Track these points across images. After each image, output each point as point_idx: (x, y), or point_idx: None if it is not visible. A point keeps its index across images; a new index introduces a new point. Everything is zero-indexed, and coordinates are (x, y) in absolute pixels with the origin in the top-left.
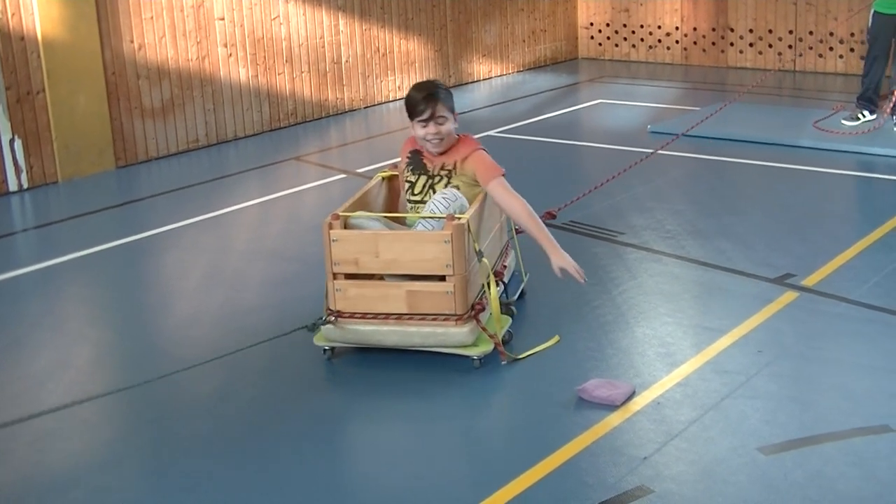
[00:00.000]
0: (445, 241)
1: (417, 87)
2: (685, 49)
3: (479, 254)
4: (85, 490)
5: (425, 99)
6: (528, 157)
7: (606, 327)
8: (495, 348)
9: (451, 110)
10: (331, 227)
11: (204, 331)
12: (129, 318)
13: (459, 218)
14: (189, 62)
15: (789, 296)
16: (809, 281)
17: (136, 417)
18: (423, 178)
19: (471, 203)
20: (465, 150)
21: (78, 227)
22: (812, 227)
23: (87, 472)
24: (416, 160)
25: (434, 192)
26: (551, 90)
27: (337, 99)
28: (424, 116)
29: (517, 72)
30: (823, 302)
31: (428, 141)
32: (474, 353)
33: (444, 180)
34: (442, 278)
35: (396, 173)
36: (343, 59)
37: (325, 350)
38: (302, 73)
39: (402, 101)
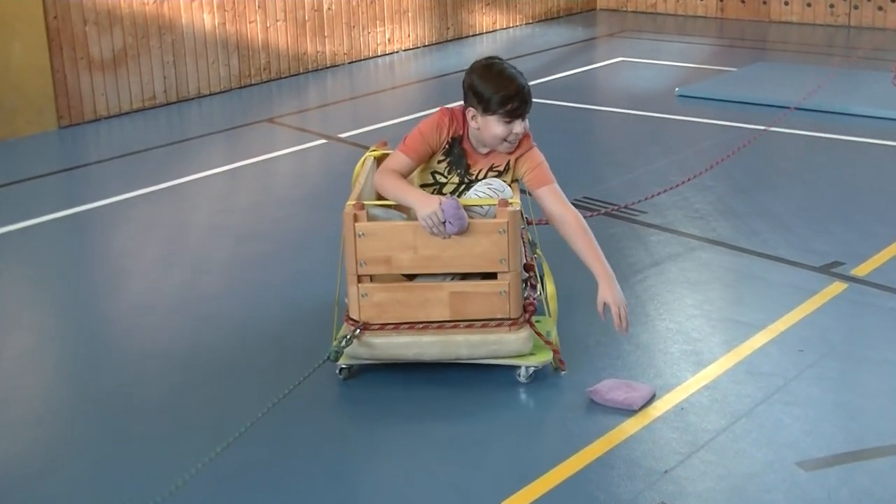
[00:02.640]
0: (501, 231)
1: (512, 73)
2: (721, 0)
3: (533, 244)
4: (18, 500)
5: (521, 94)
6: (537, 123)
7: None
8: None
9: None
10: (356, 218)
11: (159, 318)
12: (73, 302)
13: (512, 203)
14: (145, 6)
15: (836, 287)
16: (860, 270)
17: (79, 417)
18: (455, 178)
19: None
20: (521, 146)
21: (13, 197)
22: (862, 209)
23: (22, 480)
24: (458, 154)
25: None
26: (565, 46)
27: (317, 52)
28: (522, 111)
29: (526, 24)
30: (876, 295)
31: (508, 142)
32: (532, 362)
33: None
34: (492, 275)
35: (386, 151)
36: (325, 7)
37: (341, 369)
38: (277, 21)
39: (392, 58)
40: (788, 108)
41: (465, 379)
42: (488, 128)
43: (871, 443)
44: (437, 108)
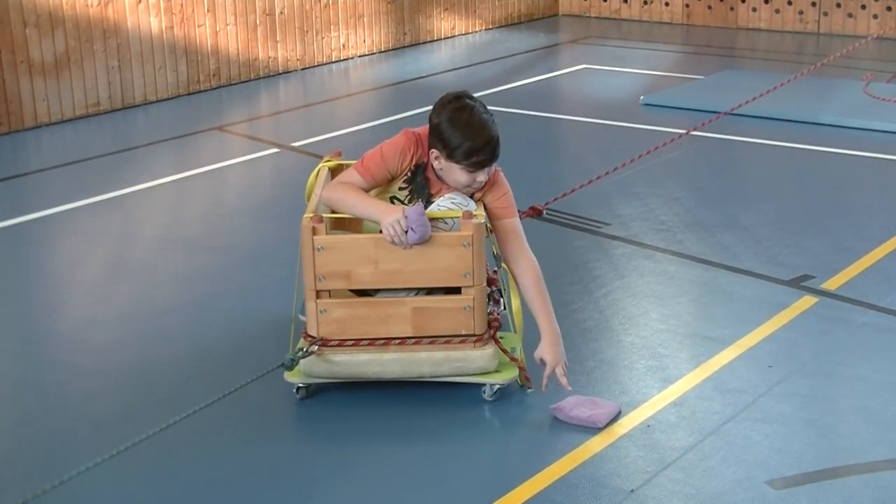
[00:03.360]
0: (465, 245)
1: (482, 122)
2: (687, 6)
3: (498, 258)
4: None
5: (489, 147)
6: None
7: (588, 335)
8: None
9: None
10: (315, 231)
11: (106, 333)
12: (13, 317)
13: (476, 215)
14: (89, 8)
15: (806, 301)
16: (830, 284)
17: (20, 439)
18: (416, 200)
19: None
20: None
21: None
22: (834, 221)
23: None
24: (420, 182)
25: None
26: (526, 52)
27: (269, 58)
28: (487, 164)
29: (486, 30)
30: (847, 309)
31: (471, 188)
32: (497, 380)
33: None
34: (456, 290)
35: (341, 161)
36: (277, 10)
37: (297, 388)
38: (227, 25)
39: (347, 64)
40: (757, 116)
41: (427, 397)
42: (451, 173)
43: (842, 461)
44: (402, 131)
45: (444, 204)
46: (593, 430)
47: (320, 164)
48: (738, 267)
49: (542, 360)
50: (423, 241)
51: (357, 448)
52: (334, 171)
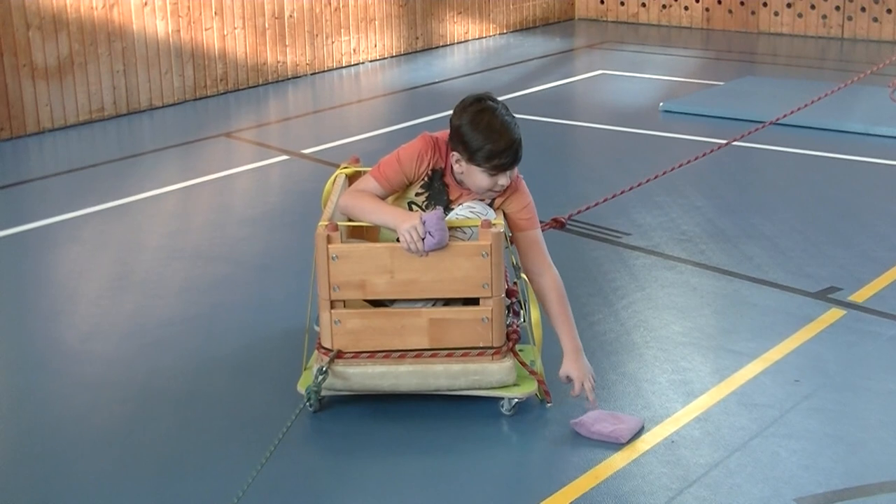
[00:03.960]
0: (483, 255)
1: (504, 124)
2: (707, 9)
3: (517, 267)
4: None
5: (510, 150)
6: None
7: (608, 348)
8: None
9: None
10: (330, 239)
11: (110, 345)
12: (16, 328)
13: (495, 224)
14: (94, 11)
15: (833, 314)
16: (858, 296)
17: (22, 451)
18: (432, 207)
19: None
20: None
21: None
22: (860, 231)
23: None
24: (438, 188)
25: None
26: (542, 57)
27: (278, 63)
28: (509, 167)
29: (500, 34)
30: (875, 322)
31: (492, 191)
32: (515, 394)
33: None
34: (474, 301)
35: (359, 168)
36: (286, 14)
37: (308, 402)
38: (235, 29)
39: (357, 69)
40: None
41: (443, 411)
42: (472, 177)
43: (872, 478)
44: (420, 135)
45: (462, 213)
46: (616, 445)
47: (337, 171)
48: (762, 278)
49: (567, 377)
50: (441, 247)
51: (371, 462)
52: (352, 178)
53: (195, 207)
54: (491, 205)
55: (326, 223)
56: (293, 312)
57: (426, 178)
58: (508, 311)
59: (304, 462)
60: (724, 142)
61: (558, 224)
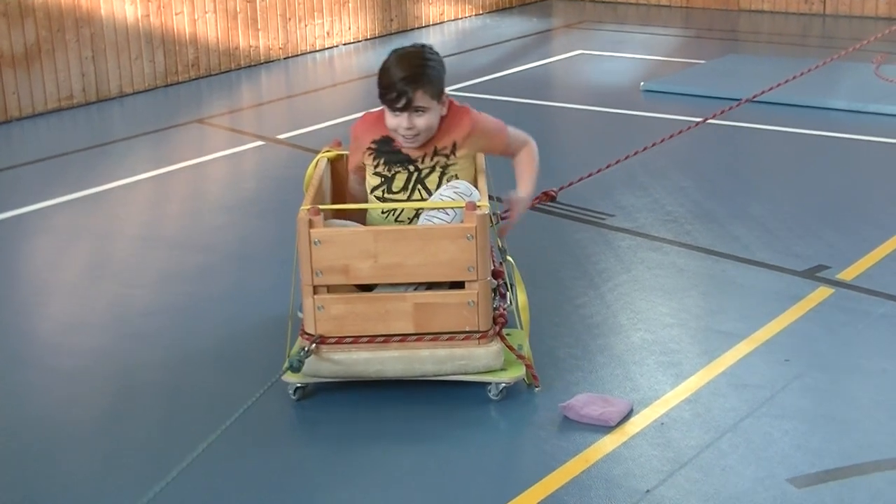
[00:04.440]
0: (468, 237)
1: (397, 60)
2: None
3: (503, 250)
4: None
5: (403, 81)
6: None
7: (595, 330)
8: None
9: (438, 95)
10: (312, 224)
11: (88, 337)
12: None
13: (480, 206)
14: None
15: (822, 292)
16: (846, 275)
17: None
18: (403, 173)
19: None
20: (462, 124)
21: None
22: (847, 209)
23: None
24: (388, 148)
25: (421, 188)
26: (519, 38)
27: (250, 47)
28: (398, 105)
29: (476, 15)
30: (864, 300)
31: (400, 135)
32: (503, 378)
33: (438, 171)
34: (460, 285)
35: (341, 151)
36: None
37: (295, 389)
38: (206, 13)
39: (331, 52)
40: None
41: (430, 397)
42: (386, 118)
43: (866, 457)
44: None
45: (446, 193)
46: (605, 428)
47: (319, 155)
48: (749, 258)
49: (507, 203)
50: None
51: (358, 451)
52: (333, 162)
53: (170, 195)
54: (454, 150)
55: (309, 207)
56: (274, 302)
57: (371, 151)
58: (495, 294)
59: (290, 452)
60: (699, 119)
61: (549, 197)
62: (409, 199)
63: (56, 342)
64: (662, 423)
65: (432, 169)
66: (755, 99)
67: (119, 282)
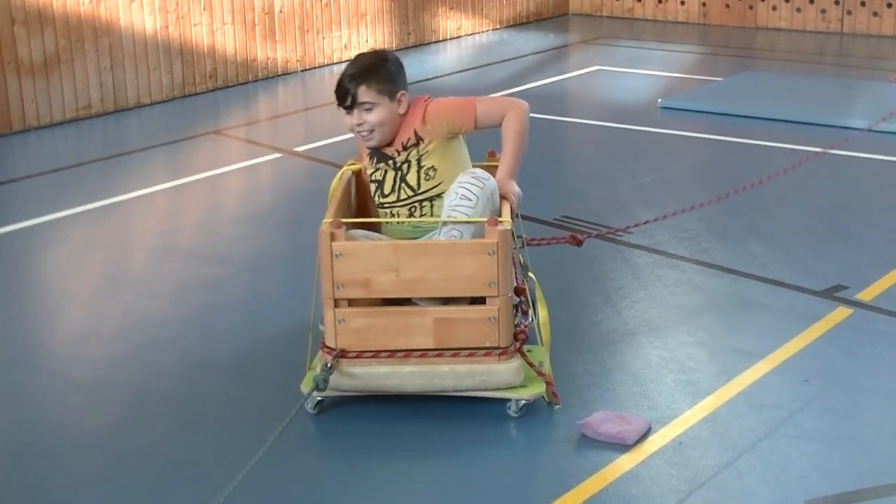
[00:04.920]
0: (490, 253)
1: (352, 61)
2: (703, 4)
3: (525, 266)
4: None
5: (348, 78)
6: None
7: (612, 347)
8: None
9: (390, 92)
10: (333, 237)
11: (102, 347)
12: (6, 331)
13: (502, 221)
14: (80, 6)
15: (841, 312)
16: (865, 294)
17: (13, 455)
18: (390, 173)
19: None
20: (415, 112)
21: None
22: (866, 228)
23: None
24: (376, 149)
25: (405, 186)
26: (536, 53)
27: (268, 59)
28: (345, 104)
29: (494, 29)
30: (883, 321)
31: (357, 132)
32: (523, 395)
33: (414, 165)
34: (480, 300)
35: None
36: (276, 9)
37: (315, 403)
38: (224, 24)
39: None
40: (782, 120)
41: (448, 412)
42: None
43: (885, 479)
44: None
45: (466, 182)
46: (623, 447)
47: (344, 168)
48: (767, 277)
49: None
50: None
51: (375, 465)
52: (358, 174)
53: (185, 207)
54: (419, 140)
55: (331, 220)
56: (289, 314)
57: (368, 153)
58: (517, 311)
59: (306, 465)
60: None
61: (576, 242)
62: (398, 200)
63: (71, 352)
64: (680, 443)
65: (408, 165)
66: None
67: (134, 292)
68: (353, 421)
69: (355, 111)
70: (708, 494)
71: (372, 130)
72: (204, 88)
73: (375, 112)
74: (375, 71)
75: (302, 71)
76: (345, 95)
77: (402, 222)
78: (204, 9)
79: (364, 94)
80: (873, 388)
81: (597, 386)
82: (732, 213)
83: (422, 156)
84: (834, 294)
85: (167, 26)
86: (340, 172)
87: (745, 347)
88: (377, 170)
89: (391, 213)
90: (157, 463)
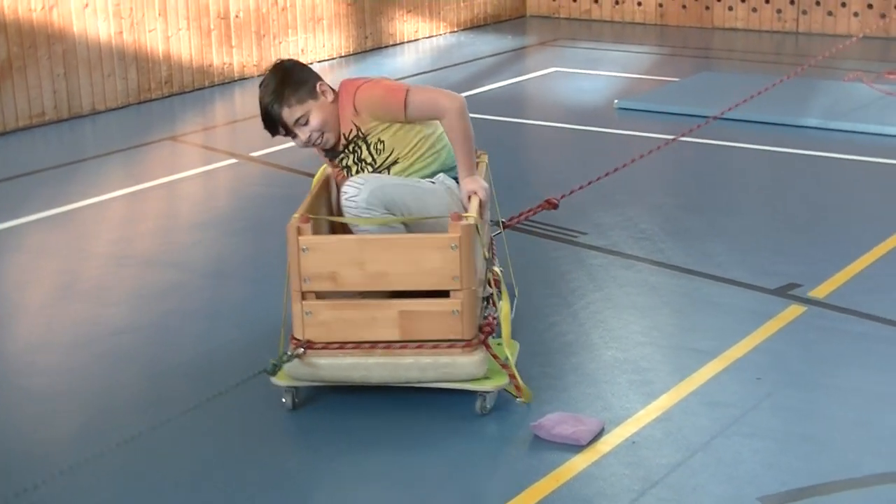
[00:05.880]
0: (453, 247)
1: (260, 93)
2: (660, 5)
3: (489, 261)
4: None
5: (267, 115)
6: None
7: (567, 349)
8: (510, 382)
9: (308, 93)
10: (300, 231)
11: (59, 356)
12: None
13: (466, 217)
14: (32, 13)
15: (794, 310)
16: (819, 292)
17: None
18: (350, 157)
19: (413, 143)
20: (346, 102)
21: None
22: (820, 227)
23: None
24: (332, 149)
25: (364, 164)
26: (493, 55)
27: (224, 64)
28: (283, 134)
29: (451, 32)
30: (837, 318)
31: (311, 145)
32: (486, 387)
33: (362, 144)
34: (444, 294)
35: None
36: (232, 14)
37: (285, 398)
38: (179, 30)
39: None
40: (739, 119)
41: (415, 407)
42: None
43: (837, 475)
44: None
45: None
46: (576, 448)
47: (324, 168)
48: (722, 276)
49: (468, 194)
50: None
51: (338, 456)
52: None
53: (142, 213)
54: (361, 133)
55: (299, 215)
56: (248, 318)
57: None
58: (487, 303)
59: (276, 461)
60: (670, 137)
61: (551, 206)
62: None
63: (27, 361)
64: (634, 442)
65: (358, 145)
66: (723, 116)
67: (91, 300)
68: (323, 411)
69: (295, 131)
70: (661, 493)
71: (322, 134)
72: (160, 94)
73: (312, 118)
74: (284, 86)
75: (259, 76)
76: (276, 125)
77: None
78: (159, 14)
79: (290, 112)
80: (826, 385)
81: (551, 387)
82: (689, 214)
83: (368, 135)
84: (787, 292)
85: (121, 32)
86: (322, 168)
87: (698, 347)
88: (342, 160)
89: None
90: (118, 471)
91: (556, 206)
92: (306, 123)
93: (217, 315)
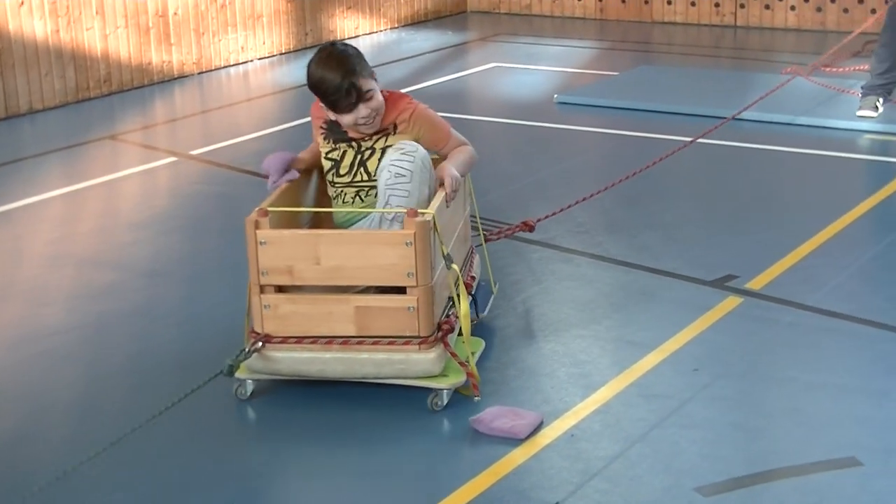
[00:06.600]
0: (407, 243)
1: (325, 66)
2: (600, 0)
3: (448, 258)
4: None
5: (345, 79)
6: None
7: (506, 343)
8: (466, 380)
9: (373, 74)
10: (258, 225)
11: None
12: None
13: (423, 213)
14: None
15: (731, 302)
16: (755, 283)
17: None
18: (350, 152)
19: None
20: (400, 105)
21: None
22: (756, 218)
23: None
24: (336, 128)
25: (363, 170)
26: (434, 51)
27: (163, 62)
28: (352, 100)
29: (391, 28)
30: (772, 309)
31: (362, 125)
32: (442, 384)
33: (378, 153)
34: (401, 290)
35: None
36: (171, 12)
37: (238, 387)
38: (117, 28)
39: (246, 67)
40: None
41: (370, 402)
42: (341, 119)
43: (773, 464)
44: None
45: (394, 159)
46: (515, 441)
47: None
48: (659, 268)
49: (440, 180)
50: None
51: (288, 450)
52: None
53: (80, 213)
54: (394, 130)
55: (259, 208)
56: (186, 318)
57: (323, 130)
58: (451, 301)
59: (229, 453)
60: (689, 139)
61: (528, 228)
62: (351, 182)
63: None
64: (572, 435)
65: (372, 151)
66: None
67: (27, 301)
68: (279, 406)
69: (361, 105)
70: (599, 485)
71: (376, 115)
72: (98, 93)
73: (377, 96)
74: (358, 60)
75: (198, 74)
76: (350, 93)
77: (344, 211)
78: (96, 13)
79: (365, 83)
80: (762, 375)
81: (490, 381)
82: (627, 206)
83: (389, 145)
84: (724, 284)
85: (58, 31)
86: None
87: (636, 339)
88: (335, 149)
89: (340, 192)
90: (54, 469)
91: (532, 229)
92: (370, 100)
93: (153, 315)
